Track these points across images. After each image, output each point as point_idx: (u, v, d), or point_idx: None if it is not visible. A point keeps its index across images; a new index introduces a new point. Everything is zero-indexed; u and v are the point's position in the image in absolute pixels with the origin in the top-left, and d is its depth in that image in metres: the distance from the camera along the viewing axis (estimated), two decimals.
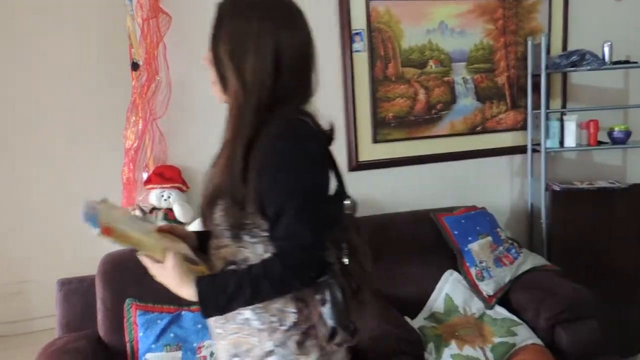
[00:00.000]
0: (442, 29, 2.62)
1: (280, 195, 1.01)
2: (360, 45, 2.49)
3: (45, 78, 3.12)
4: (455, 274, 2.38)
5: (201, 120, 2.35)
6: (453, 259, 2.41)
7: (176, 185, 2.23)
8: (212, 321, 1.14)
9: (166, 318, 1.97)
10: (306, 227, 1.00)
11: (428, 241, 2.47)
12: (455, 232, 2.45)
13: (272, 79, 1.06)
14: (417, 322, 2.22)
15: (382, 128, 2.61)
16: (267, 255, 1.05)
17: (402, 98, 2.61)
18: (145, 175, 2.29)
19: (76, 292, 2.13)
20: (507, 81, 2.75)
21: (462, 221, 2.49)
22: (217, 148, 1.19)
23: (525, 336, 2.11)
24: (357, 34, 2.47)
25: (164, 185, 2.21)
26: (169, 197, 2.20)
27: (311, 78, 1.16)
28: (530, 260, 2.44)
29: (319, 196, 1.06)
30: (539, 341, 2.08)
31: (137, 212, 2.12)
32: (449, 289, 2.34)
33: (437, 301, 2.33)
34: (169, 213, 2.19)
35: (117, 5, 2.23)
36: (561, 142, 2.66)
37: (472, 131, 2.74)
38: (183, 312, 2.01)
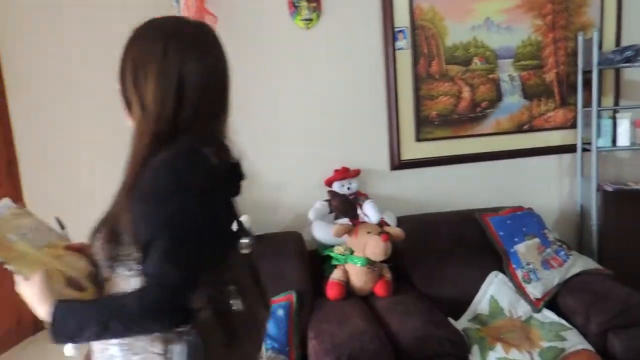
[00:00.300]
0: (487, 25, 2.56)
1: (151, 228, 0.93)
2: (403, 43, 2.47)
3: (98, 79, 3.23)
4: (501, 275, 2.32)
5: (246, 120, 2.37)
6: (498, 260, 2.35)
7: None
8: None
9: None
10: (173, 267, 0.91)
11: (472, 242, 2.43)
12: (501, 233, 2.39)
13: (173, 106, 0.99)
14: (460, 324, 2.18)
15: (425, 126, 2.57)
16: None
17: (446, 96, 2.57)
18: None
19: None
20: (556, 78, 2.67)
21: (508, 222, 2.43)
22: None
23: (575, 341, 2.03)
24: (400, 31, 2.45)
25: None
26: None
27: (220, 106, 1.09)
28: (580, 263, 2.35)
29: (194, 234, 0.94)
30: (590, 347, 2.01)
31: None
32: (494, 291, 2.28)
33: (481, 303, 2.28)
34: None
35: (164, 6, 2.28)
36: (613, 141, 2.56)
37: (518, 129, 2.67)
38: None
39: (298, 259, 2.25)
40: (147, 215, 0.94)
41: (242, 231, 1.11)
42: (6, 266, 1.00)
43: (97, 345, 1.04)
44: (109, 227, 0.99)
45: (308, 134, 2.46)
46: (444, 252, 2.38)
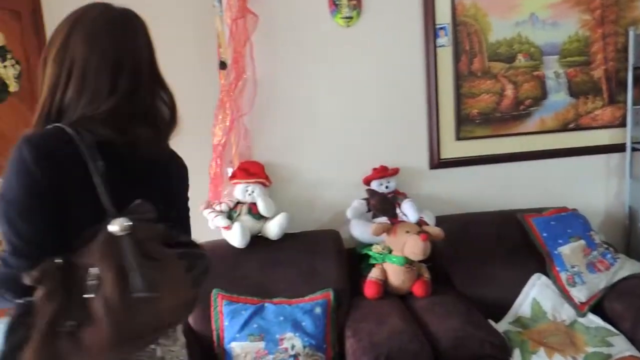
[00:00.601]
0: (532, 20, 2.49)
1: None
2: (444, 40, 2.43)
3: None
4: (544, 277, 2.26)
5: (285, 118, 2.40)
6: (541, 262, 2.29)
7: (260, 180, 2.29)
8: None
9: (250, 309, 2.04)
10: (4, 237, 0.95)
11: (513, 243, 2.37)
12: (544, 235, 2.33)
13: (62, 89, 1.04)
14: (501, 326, 2.13)
15: (466, 125, 2.53)
16: None
17: (488, 94, 2.52)
18: (230, 171, 2.37)
19: None
20: (604, 75, 2.57)
21: (552, 223, 2.37)
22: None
23: (622, 347, 1.96)
24: (441, 28, 2.42)
25: (248, 180, 2.28)
26: (252, 192, 2.27)
27: (110, 87, 1.05)
28: (628, 267, 2.27)
29: (18, 207, 0.96)
30: (638, 353, 1.94)
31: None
32: (536, 294, 2.23)
33: (523, 305, 2.22)
34: (252, 207, 2.25)
35: (205, 6, 2.32)
36: None
37: (564, 128, 2.59)
38: (266, 304, 2.07)
39: (335, 257, 2.25)
40: None
41: (125, 213, 0.99)
42: None
43: None
44: None
45: (347, 132, 2.46)
46: (485, 253, 2.33)
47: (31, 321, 0.91)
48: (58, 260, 0.94)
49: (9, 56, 3.11)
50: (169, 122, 1.16)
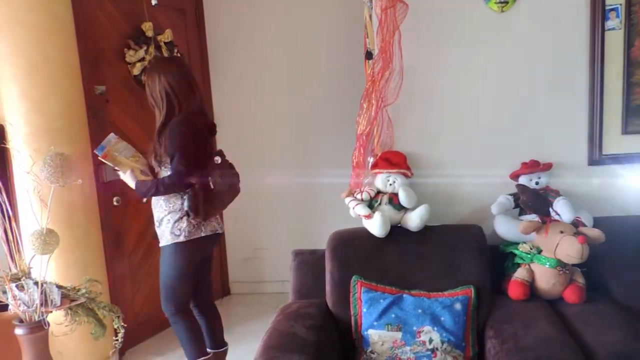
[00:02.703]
0: None
1: (172, 149, 2.33)
2: (615, 23, 2.18)
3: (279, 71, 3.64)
4: None
5: (429, 108, 2.35)
6: None
7: (402, 170, 2.28)
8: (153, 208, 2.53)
9: (388, 299, 2.04)
10: (180, 165, 2.31)
11: None
12: None
13: (167, 99, 2.41)
14: None
15: (635, 117, 2.26)
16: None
17: None
18: (371, 160, 2.39)
19: (307, 262, 2.33)
20: None
21: None
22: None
23: None
24: (612, 9, 2.17)
25: (390, 170, 2.27)
26: (394, 182, 2.26)
27: (191, 91, 2.46)
28: None
29: (188, 153, 2.33)
30: None
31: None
32: None
33: None
34: (393, 197, 2.25)
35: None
36: None
37: None
38: (404, 295, 2.06)
39: (478, 253, 2.16)
40: (172, 145, 2.33)
41: (218, 155, 2.52)
42: (115, 169, 2.48)
43: (154, 201, 2.50)
44: (156, 149, 2.41)
45: (494, 123, 2.34)
46: None
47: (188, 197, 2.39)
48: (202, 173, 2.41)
49: (175, 50, 3.46)
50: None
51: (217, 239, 2.59)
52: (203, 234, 2.43)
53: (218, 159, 2.47)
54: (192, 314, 2.64)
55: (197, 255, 2.50)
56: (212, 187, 2.37)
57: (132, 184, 2.42)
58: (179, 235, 2.39)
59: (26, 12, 2.56)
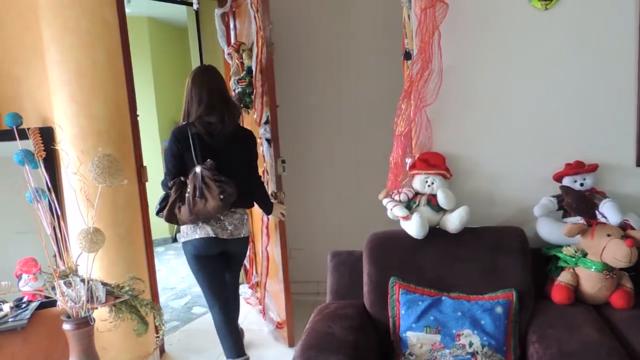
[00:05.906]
0: None
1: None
2: None
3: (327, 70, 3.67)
4: None
5: (468, 108, 2.32)
6: None
7: (440, 172, 2.25)
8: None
9: (427, 301, 2.03)
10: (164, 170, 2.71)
11: None
12: None
13: (187, 107, 2.67)
14: None
15: None
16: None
17: None
18: (409, 161, 2.37)
19: (344, 263, 2.34)
20: None
21: None
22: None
23: None
24: None
25: (428, 172, 2.25)
26: (432, 184, 2.24)
27: (202, 106, 2.62)
28: None
29: (165, 159, 2.64)
30: None
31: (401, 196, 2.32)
32: None
33: None
34: (432, 199, 2.23)
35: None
36: None
37: None
38: (443, 298, 2.04)
39: (519, 256, 2.12)
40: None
41: (200, 162, 2.57)
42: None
43: None
44: None
45: (538, 123, 2.28)
46: None
47: (169, 197, 2.60)
48: (180, 179, 2.59)
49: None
50: (229, 121, 2.66)
51: (217, 242, 2.66)
52: (197, 236, 2.65)
53: (208, 163, 2.53)
54: (227, 311, 2.80)
55: (198, 253, 2.69)
56: (185, 195, 2.54)
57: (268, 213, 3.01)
58: (184, 236, 2.71)
59: (77, 19, 2.65)
